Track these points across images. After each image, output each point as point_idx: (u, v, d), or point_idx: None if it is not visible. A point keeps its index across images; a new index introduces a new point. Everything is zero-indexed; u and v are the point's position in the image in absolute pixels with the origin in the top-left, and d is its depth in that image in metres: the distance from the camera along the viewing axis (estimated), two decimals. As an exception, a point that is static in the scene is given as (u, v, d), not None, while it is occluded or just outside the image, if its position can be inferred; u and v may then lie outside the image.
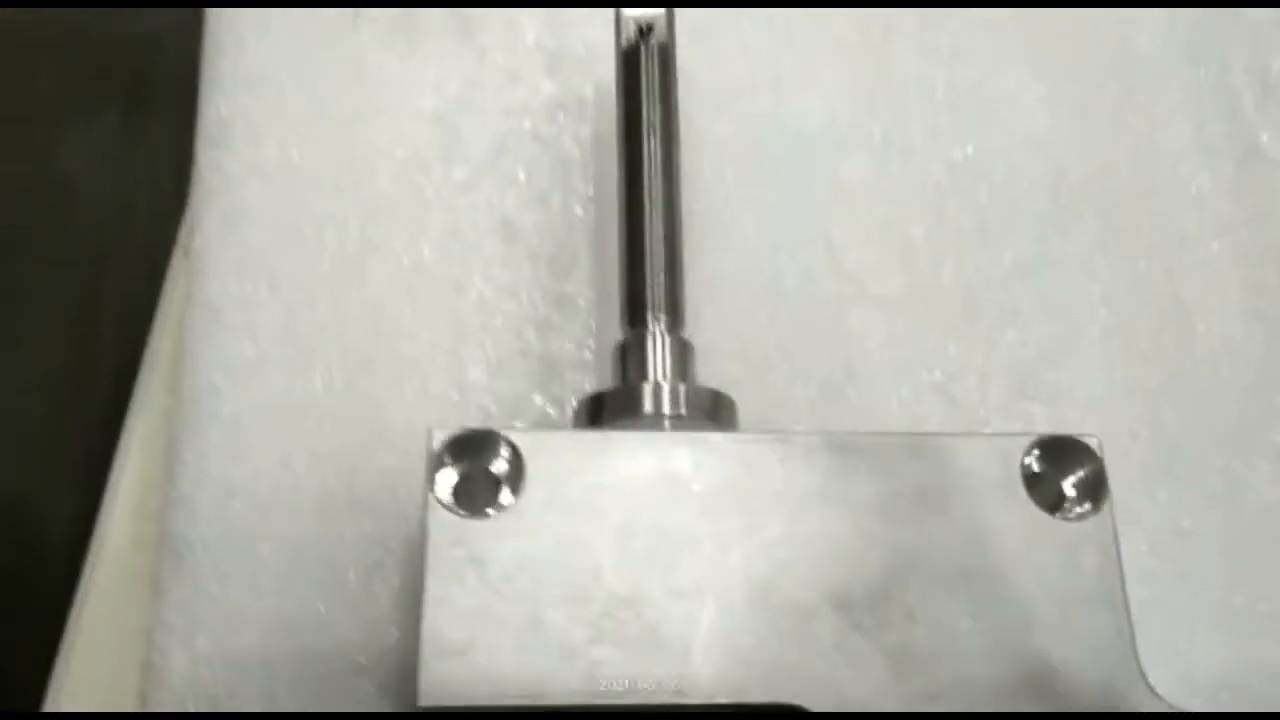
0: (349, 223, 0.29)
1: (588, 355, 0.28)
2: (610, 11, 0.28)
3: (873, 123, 0.32)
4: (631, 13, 0.28)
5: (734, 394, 0.26)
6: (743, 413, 0.26)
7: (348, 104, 0.31)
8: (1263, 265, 0.31)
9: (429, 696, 0.21)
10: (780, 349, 0.29)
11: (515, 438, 0.23)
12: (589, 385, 0.27)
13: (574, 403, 0.26)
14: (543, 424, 0.27)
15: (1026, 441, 0.24)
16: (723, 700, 0.21)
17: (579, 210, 0.30)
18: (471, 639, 0.21)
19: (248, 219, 0.29)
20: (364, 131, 0.30)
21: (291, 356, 0.27)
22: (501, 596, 0.22)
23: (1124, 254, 0.31)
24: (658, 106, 0.27)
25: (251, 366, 0.27)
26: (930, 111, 0.32)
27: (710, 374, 0.27)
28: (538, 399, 0.28)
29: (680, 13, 0.28)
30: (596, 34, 0.31)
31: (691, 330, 0.27)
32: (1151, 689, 0.23)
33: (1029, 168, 0.32)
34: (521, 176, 0.30)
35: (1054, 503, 0.24)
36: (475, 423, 0.26)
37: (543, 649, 0.21)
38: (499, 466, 0.22)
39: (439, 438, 0.22)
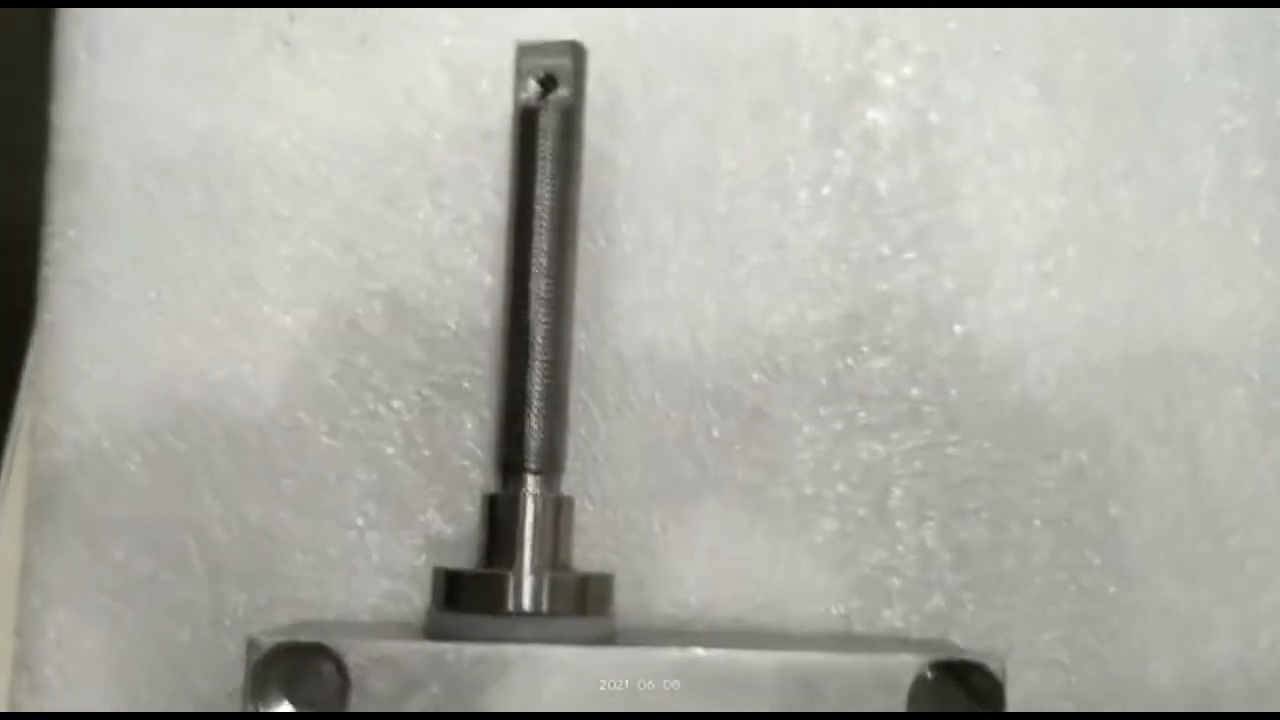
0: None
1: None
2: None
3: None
4: (535, 54, 0.23)
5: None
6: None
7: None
8: None
9: None
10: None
11: (344, 652, 0.21)
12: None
13: (432, 572, 0.24)
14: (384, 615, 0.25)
15: (919, 662, 0.22)
16: None
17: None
18: None
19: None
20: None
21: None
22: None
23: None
24: (552, 191, 0.23)
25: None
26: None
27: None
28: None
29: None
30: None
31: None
32: None
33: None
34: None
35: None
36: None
37: None
38: (324, 682, 0.21)
39: (262, 647, 0.21)
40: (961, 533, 0.26)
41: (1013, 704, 0.22)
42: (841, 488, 0.26)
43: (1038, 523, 0.26)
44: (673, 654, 0.22)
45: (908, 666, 0.22)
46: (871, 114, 0.27)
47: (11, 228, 0.28)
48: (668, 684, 0.21)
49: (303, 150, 0.27)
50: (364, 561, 0.25)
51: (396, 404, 0.26)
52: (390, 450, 0.26)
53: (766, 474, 0.26)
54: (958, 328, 0.27)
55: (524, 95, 0.24)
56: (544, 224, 0.23)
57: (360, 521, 0.26)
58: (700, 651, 0.22)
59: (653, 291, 0.27)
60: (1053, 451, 0.26)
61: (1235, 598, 0.26)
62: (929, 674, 0.22)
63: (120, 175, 0.27)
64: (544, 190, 0.23)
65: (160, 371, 0.26)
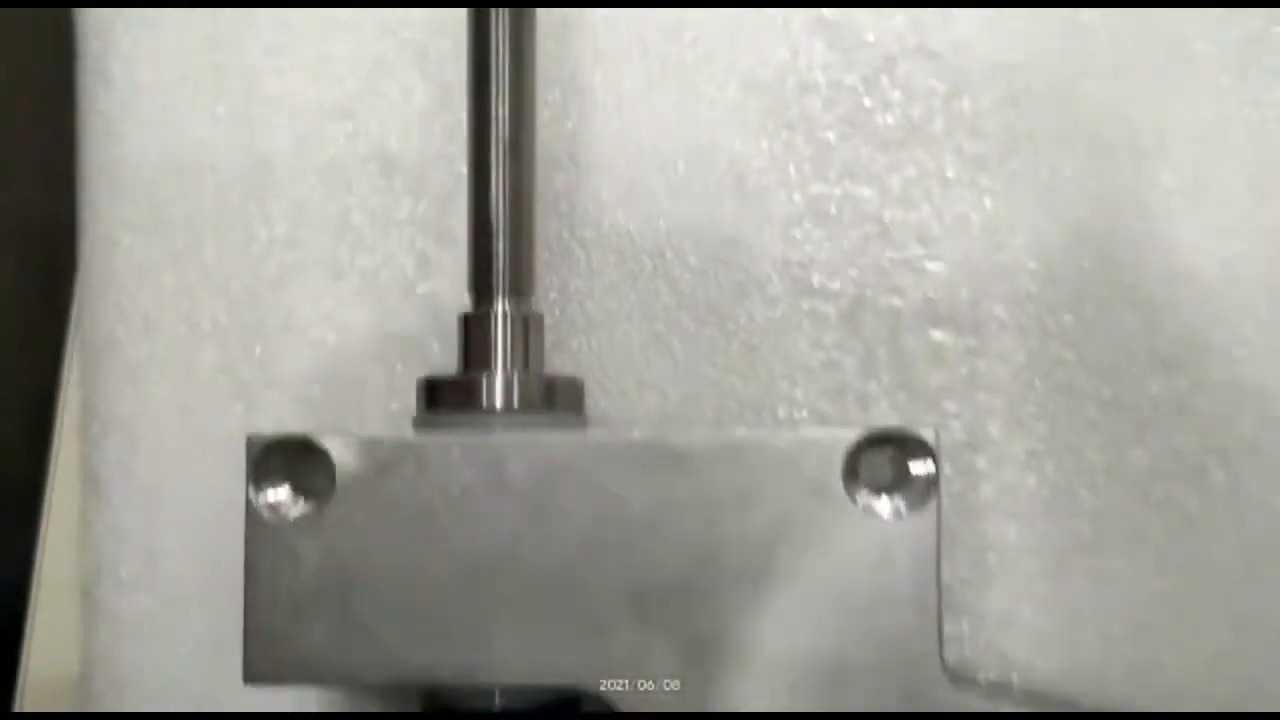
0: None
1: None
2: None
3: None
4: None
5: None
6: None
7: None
8: None
9: (253, 677, 0.24)
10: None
11: (331, 445, 0.24)
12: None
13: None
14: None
15: (852, 437, 0.23)
16: (515, 680, 0.23)
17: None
18: (288, 628, 0.24)
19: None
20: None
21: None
22: (313, 591, 0.24)
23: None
24: (509, 61, 0.25)
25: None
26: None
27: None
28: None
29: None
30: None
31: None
32: (954, 690, 0.23)
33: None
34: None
35: (881, 495, 0.23)
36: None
37: (351, 638, 0.24)
38: (316, 473, 0.24)
39: (257, 444, 0.24)
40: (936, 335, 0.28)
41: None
42: (808, 304, 0.28)
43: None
44: (637, 440, 0.24)
45: (842, 440, 0.23)
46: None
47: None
48: (641, 461, 0.23)
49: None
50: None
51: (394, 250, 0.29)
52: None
53: (739, 295, 0.28)
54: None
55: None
56: (501, 68, 0.26)
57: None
58: (640, 434, 0.24)
59: (625, 136, 0.29)
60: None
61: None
62: (863, 444, 0.23)
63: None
64: (500, 39, 0.26)
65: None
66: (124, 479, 0.29)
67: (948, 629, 0.26)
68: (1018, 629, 0.27)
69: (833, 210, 0.28)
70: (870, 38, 0.28)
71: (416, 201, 0.29)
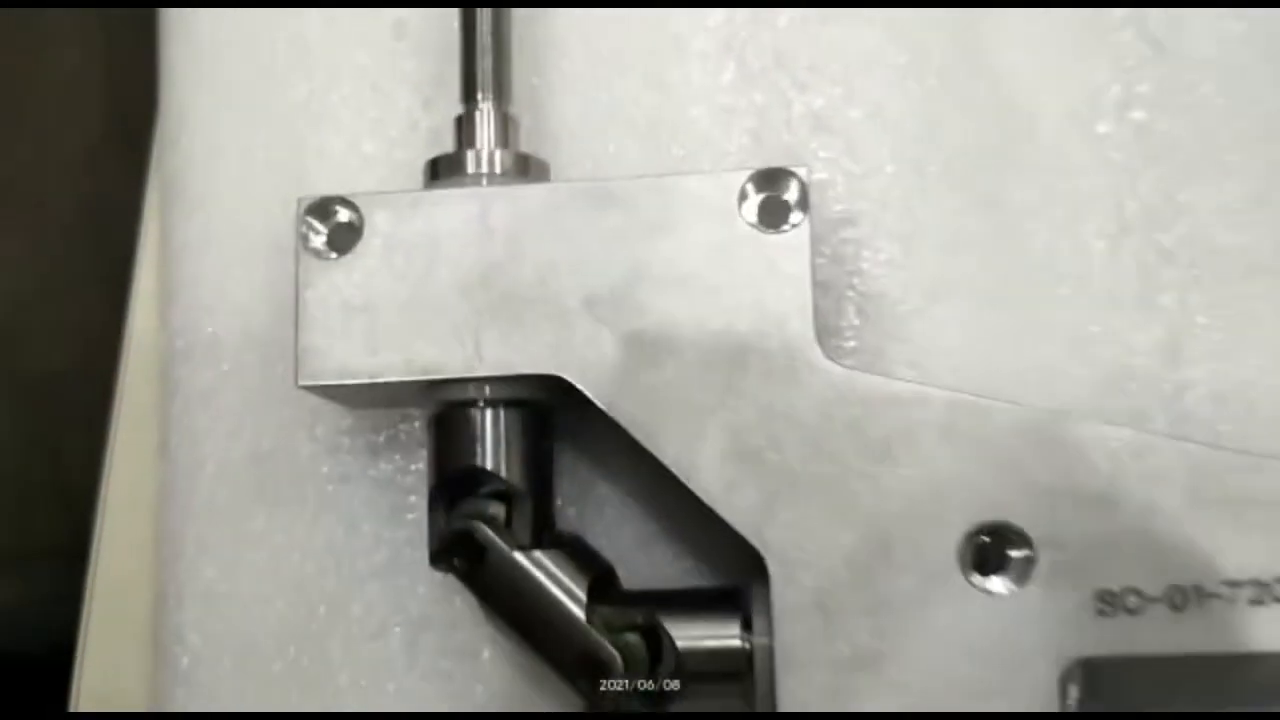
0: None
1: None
2: None
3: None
4: None
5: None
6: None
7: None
8: None
9: (305, 378, 0.32)
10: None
11: (358, 200, 0.32)
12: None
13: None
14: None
15: (746, 174, 0.31)
16: (502, 372, 0.31)
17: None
18: (329, 342, 0.32)
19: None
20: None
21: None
22: (354, 305, 0.32)
23: None
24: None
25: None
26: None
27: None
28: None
29: None
30: None
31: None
32: (824, 355, 0.30)
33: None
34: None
35: (767, 221, 0.31)
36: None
37: (377, 345, 0.32)
38: (346, 219, 0.32)
39: (305, 201, 0.32)
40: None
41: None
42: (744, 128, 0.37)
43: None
44: (584, 186, 0.32)
45: (736, 179, 0.31)
46: None
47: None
48: (586, 199, 0.31)
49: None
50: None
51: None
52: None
53: (684, 105, 0.37)
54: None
55: None
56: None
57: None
58: (585, 182, 0.32)
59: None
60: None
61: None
62: (752, 185, 0.31)
63: None
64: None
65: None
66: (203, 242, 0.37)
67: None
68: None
69: None
70: None
71: (421, 60, 0.38)
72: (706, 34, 0.37)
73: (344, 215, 0.32)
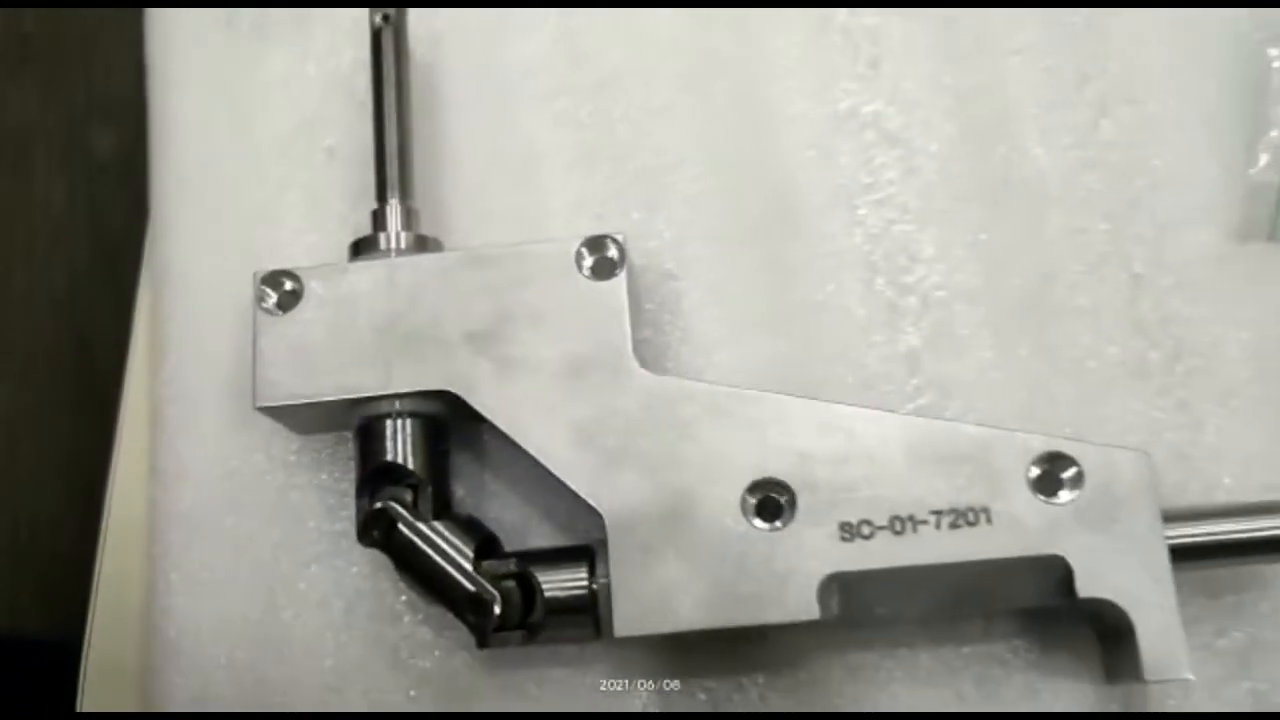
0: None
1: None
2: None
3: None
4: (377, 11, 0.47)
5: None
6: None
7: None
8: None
9: (260, 400, 0.43)
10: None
11: (299, 272, 0.43)
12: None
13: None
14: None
15: (580, 239, 0.43)
16: (407, 389, 0.42)
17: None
18: (279, 373, 0.43)
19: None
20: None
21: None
22: (296, 348, 0.43)
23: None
24: (393, 70, 0.47)
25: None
26: None
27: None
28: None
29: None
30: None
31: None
32: (640, 367, 0.42)
33: None
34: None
35: (598, 274, 0.43)
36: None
37: (314, 376, 0.43)
38: (290, 287, 0.43)
39: (258, 275, 0.44)
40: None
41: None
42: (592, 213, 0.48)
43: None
44: (461, 256, 0.44)
45: (571, 243, 0.43)
46: None
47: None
48: (462, 266, 0.43)
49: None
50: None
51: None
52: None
53: (546, 196, 0.49)
54: None
55: (375, 22, 0.47)
56: (390, 76, 0.47)
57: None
58: (464, 251, 0.44)
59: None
60: None
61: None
62: (585, 249, 0.43)
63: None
64: (389, 72, 0.47)
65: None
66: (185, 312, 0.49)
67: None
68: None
69: None
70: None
71: (347, 174, 0.50)
72: (565, 149, 0.49)
73: (288, 284, 0.44)
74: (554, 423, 0.42)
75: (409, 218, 0.46)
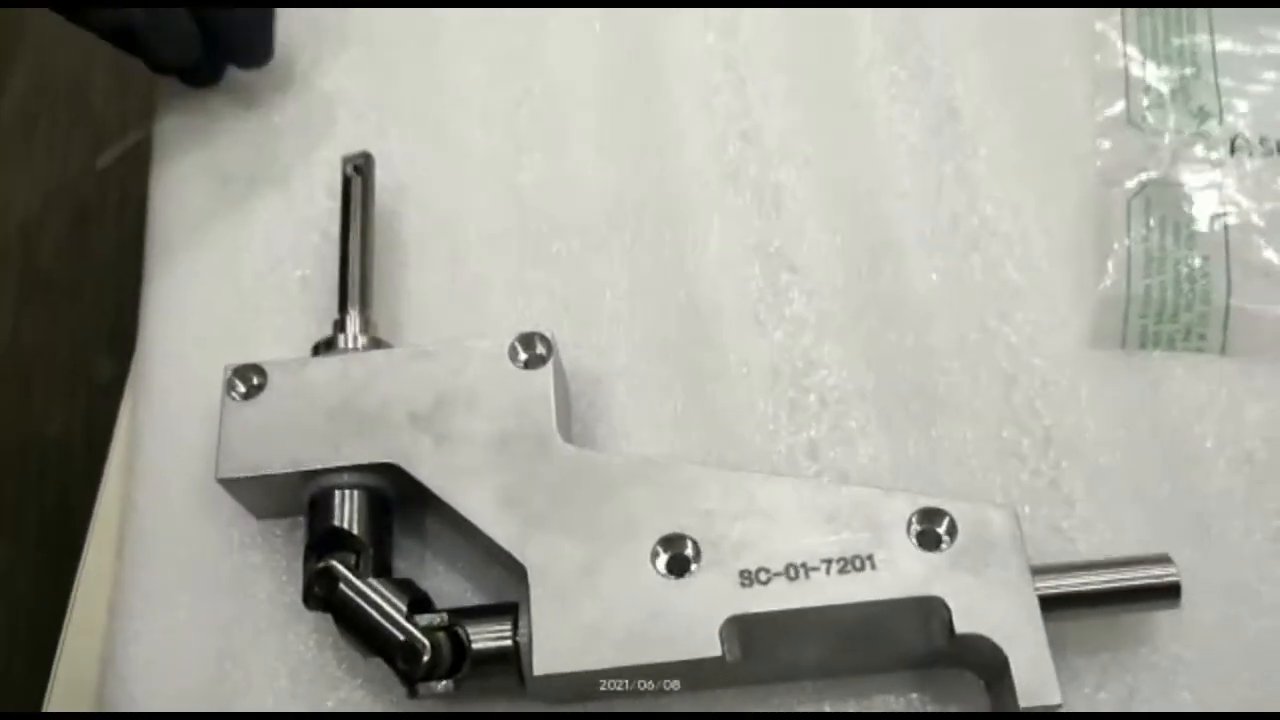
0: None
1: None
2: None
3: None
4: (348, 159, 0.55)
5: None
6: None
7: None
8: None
9: (223, 473, 0.47)
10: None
11: (264, 364, 0.49)
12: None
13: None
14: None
15: (513, 336, 0.49)
16: (354, 462, 0.47)
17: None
18: (241, 448, 0.48)
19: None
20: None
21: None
22: (257, 429, 0.48)
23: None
24: (359, 208, 0.54)
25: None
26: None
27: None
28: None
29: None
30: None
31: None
32: (564, 441, 0.47)
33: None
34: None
35: (528, 364, 0.49)
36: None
37: (273, 452, 0.48)
38: (256, 380, 0.49)
39: (228, 368, 0.49)
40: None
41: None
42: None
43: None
44: (409, 352, 0.49)
45: (507, 339, 0.49)
46: None
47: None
48: (411, 360, 0.49)
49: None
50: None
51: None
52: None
53: (485, 295, 0.55)
54: None
55: (346, 171, 0.55)
56: (356, 210, 0.54)
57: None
58: (409, 348, 0.50)
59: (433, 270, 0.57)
60: None
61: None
62: (519, 343, 0.49)
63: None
64: (355, 212, 0.55)
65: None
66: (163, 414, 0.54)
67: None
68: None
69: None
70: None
71: (315, 300, 0.56)
72: (508, 278, 0.56)
73: (255, 378, 0.49)
74: (484, 487, 0.47)
75: (366, 324, 0.52)
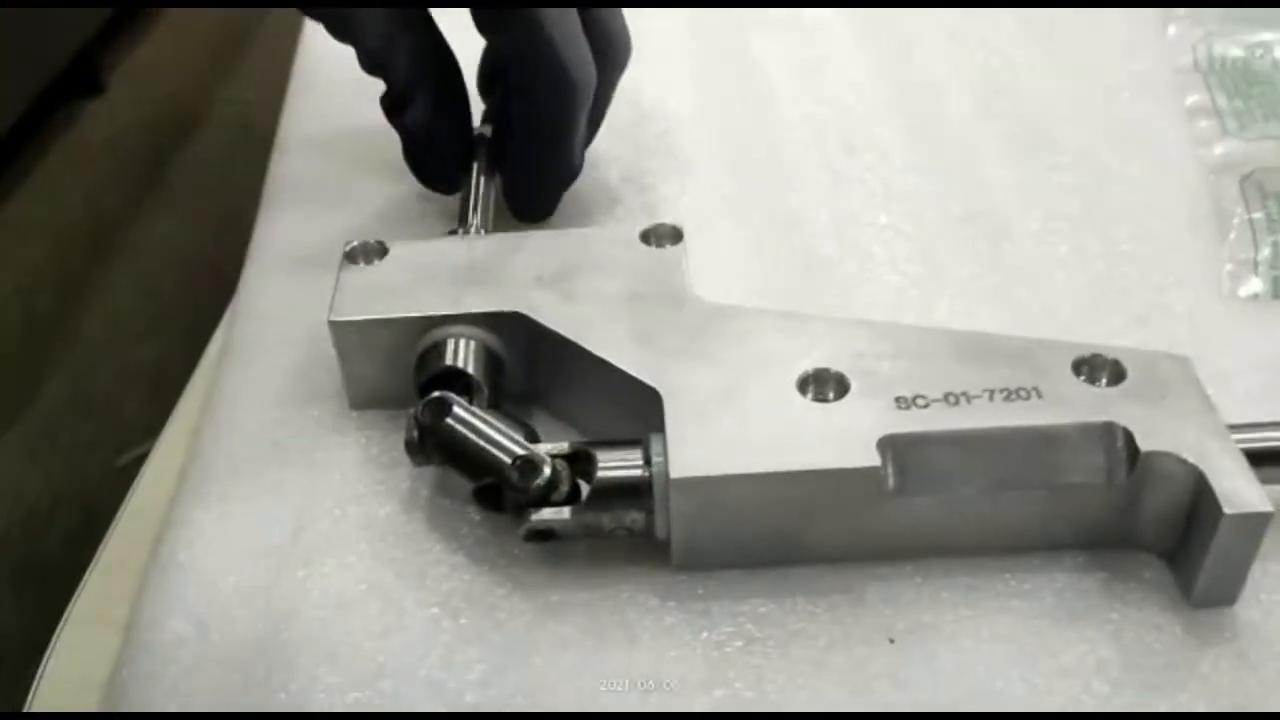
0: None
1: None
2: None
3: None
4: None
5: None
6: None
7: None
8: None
9: (340, 313, 0.45)
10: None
11: (391, 245, 0.48)
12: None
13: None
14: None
15: (639, 228, 0.48)
16: (480, 310, 0.44)
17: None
18: (363, 299, 0.45)
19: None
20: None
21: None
22: (372, 284, 0.46)
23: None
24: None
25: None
26: None
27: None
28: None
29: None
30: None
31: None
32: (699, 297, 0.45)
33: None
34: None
35: (658, 243, 0.48)
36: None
37: (387, 299, 0.45)
38: (377, 253, 0.48)
39: (347, 243, 0.48)
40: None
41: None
42: None
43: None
44: (538, 234, 0.49)
45: (632, 230, 0.48)
46: None
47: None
48: (539, 240, 0.48)
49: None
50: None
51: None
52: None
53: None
54: None
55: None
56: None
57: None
58: (532, 231, 0.49)
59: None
60: None
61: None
62: (643, 235, 0.48)
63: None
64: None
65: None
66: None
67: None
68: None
69: None
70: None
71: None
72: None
73: (375, 253, 0.48)
74: (616, 330, 0.44)
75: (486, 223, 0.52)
